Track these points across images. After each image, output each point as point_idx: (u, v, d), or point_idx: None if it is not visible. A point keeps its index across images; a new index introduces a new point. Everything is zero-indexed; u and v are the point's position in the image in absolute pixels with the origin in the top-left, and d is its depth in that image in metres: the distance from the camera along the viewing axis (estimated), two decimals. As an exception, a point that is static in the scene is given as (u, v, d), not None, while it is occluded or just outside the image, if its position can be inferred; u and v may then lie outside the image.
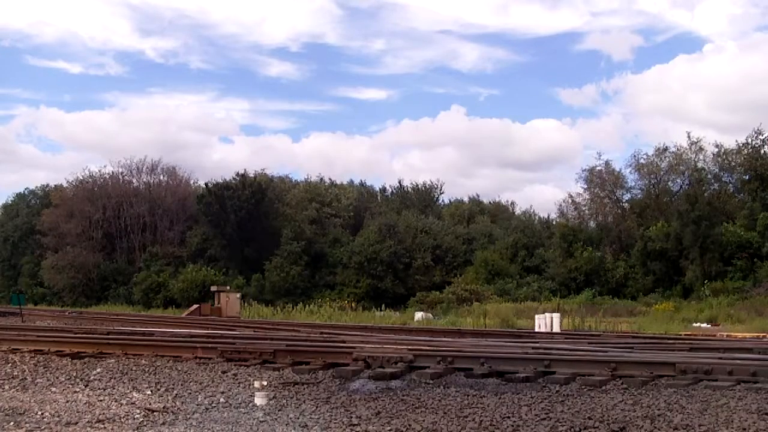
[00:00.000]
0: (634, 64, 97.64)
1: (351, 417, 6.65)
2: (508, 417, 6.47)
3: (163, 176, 62.25)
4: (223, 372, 9.55)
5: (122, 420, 6.63)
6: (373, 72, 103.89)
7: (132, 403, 7.49)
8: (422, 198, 64.68)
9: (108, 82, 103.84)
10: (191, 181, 63.68)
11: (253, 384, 7.87)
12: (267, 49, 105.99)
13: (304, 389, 8.21)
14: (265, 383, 7.58)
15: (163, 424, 6.50)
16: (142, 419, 6.66)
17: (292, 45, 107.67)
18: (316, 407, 7.17)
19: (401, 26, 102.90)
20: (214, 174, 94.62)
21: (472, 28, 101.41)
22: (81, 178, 62.04)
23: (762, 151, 43.87)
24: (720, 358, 8.77)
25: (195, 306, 34.92)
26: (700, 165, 46.53)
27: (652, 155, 48.65)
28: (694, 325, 26.36)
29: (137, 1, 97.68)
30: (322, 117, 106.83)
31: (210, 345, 11.53)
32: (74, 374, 9.67)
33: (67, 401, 7.66)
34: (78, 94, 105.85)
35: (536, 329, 20.92)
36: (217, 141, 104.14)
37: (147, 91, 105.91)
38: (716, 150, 46.48)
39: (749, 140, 44.41)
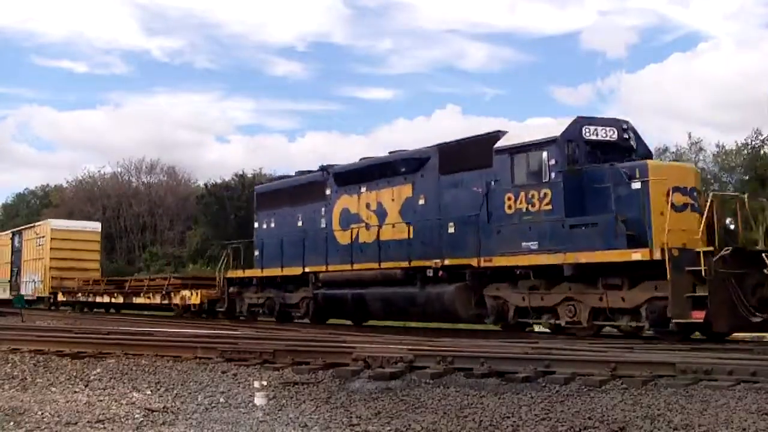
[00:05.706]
0: (628, 62, 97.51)
1: (351, 417, 6.65)
2: (508, 417, 6.47)
3: (163, 176, 62.38)
4: (223, 372, 9.55)
5: (122, 420, 6.63)
6: (380, 72, 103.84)
7: (132, 403, 7.49)
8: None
9: (112, 82, 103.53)
10: (190, 181, 63.80)
11: (253, 384, 7.87)
12: (274, 49, 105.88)
13: (304, 389, 8.21)
14: (265, 383, 7.59)
15: (163, 424, 6.50)
16: (142, 419, 6.66)
17: (299, 44, 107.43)
18: (316, 407, 7.17)
19: (409, 26, 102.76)
20: (211, 173, 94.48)
21: (480, 28, 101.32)
22: (80, 178, 62.22)
23: (762, 151, 43.87)
24: (720, 358, 8.77)
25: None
26: (700, 165, 46.52)
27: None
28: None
29: (144, 0, 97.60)
30: (325, 117, 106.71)
31: (210, 345, 11.53)
32: (74, 374, 9.67)
33: (67, 401, 7.66)
34: (81, 93, 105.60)
35: (536, 329, 20.90)
36: (212, 140, 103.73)
37: (152, 90, 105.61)
38: (716, 150, 46.57)
39: (749, 140, 44.47)
